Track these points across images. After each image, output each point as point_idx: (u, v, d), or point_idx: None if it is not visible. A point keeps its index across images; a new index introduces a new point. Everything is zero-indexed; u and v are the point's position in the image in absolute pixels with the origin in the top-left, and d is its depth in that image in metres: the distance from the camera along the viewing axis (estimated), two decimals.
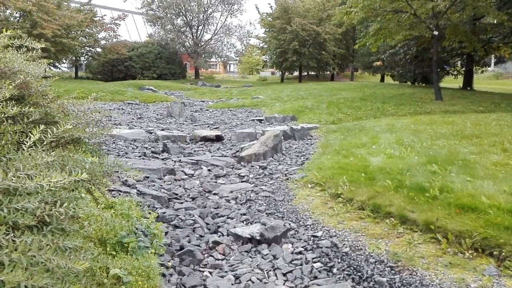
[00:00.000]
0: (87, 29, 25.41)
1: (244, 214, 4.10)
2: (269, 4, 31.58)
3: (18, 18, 20.89)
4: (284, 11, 28.92)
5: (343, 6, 13.48)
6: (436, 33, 12.47)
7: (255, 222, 3.86)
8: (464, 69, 20.03)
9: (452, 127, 7.00)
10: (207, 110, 15.22)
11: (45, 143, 1.73)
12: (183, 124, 11.35)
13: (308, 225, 3.71)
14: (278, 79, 36.78)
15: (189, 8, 33.62)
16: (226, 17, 36.05)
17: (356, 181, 4.28)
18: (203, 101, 19.31)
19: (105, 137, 7.75)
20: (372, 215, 3.69)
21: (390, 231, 3.38)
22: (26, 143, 1.74)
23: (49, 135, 1.76)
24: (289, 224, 3.75)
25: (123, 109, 14.87)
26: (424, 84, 22.22)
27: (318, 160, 5.67)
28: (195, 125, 11.09)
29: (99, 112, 2.70)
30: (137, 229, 3.05)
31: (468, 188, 3.71)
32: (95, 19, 26.32)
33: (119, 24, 28.07)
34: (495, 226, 2.95)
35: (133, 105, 16.52)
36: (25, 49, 2.80)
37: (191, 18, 34.52)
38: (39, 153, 1.65)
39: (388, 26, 13.28)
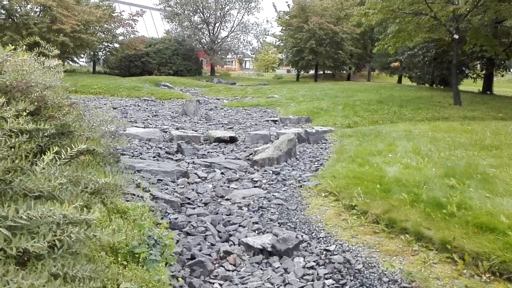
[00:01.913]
0: (105, 25, 25.65)
1: (256, 223, 4.07)
2: (287, 2, 31.45)
3: (38, 13, 21.18)
4: (301, 9, 28.74)
5: (361, 7, 13.30)
6: (456, 36, 12.23)
7: (267, 232, 3.83)
8: (484, 72, 19.63)
9: (471, 136, 6.85)
10: (222, 108, 15.22)
11: (58, 163, 1.72)
12: (198, 123, 11.37)
13: (320, 237, 3.66)
14: (293, 77, 36.62)
15: (206, 5, 33.67)
16: (243, 14, 36.12)
17: (371, 193, 4.21)
18: (218, 99, 19.33)
19: (120, 136, 7.72)
20: (386, 230, 3.62)
21: (405, 248, 3.31)
22: (40, 160, 1.74)
23: (63, 155, 1.74)
24: (301, 235, 3.71)
25: (139, 105, 14.97)
26: (442, 87, 21.84)
27: (332, 167, 5.60)
28: (210, 124, 11.09)
29: (113, 120, 2.66)
30: (149, 237, 3.04)
31: (487, 205, 3.61)
32: (114, 15, 26.56)
33: (137, 20, 28.28)
34: None
35: (149, 101, 16.62)
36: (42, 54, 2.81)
37: (208, 15, 34.57)
38: (53, 174, 1.64)
39: (407, 28, 13.07)
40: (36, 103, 2.13)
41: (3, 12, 20.60)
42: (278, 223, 4.05)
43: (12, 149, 1.71)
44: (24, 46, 2.78)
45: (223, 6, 34.89)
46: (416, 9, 12.57)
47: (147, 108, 14.09)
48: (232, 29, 36.57)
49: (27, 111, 2.00)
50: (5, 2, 20.08)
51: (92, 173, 2.05)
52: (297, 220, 4.07)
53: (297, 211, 4.32)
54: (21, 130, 1.83)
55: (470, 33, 13.49)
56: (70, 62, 27.05)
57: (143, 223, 3.03)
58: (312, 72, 34.05)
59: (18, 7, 20.65)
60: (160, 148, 7.45)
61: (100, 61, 31.58)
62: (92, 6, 24.72)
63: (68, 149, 1.76)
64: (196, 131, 9.80)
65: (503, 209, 3.51)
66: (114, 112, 12.45)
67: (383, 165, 5.20)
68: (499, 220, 3.30)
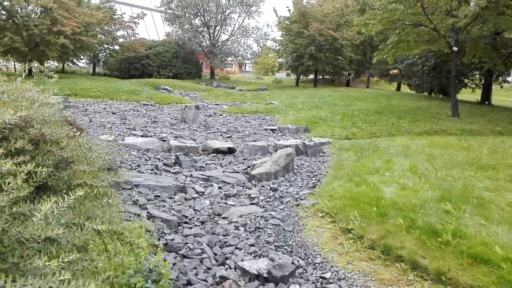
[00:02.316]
0: (106, 27, 25.66)
1: (253, 245, 4.08)
2: (287, 7, 31.50)
3: (39, 15, 21.18)
4: (302, 15, 28.79)
5: (362, 18, 13.35)
6: (455, 48, 12.28)
7: (264, 256, 3.84)
8: (482, 82, 19.71)
9: (468, 154, 6.88)
10: (221, 115, 15.24)
11: (55, 212, 1.73)
12: (197, 130, 11.38)
13: (316, 263, 3.67)
14: (293, 81, 36.64)
15: (207, 8, 33.71)
16: (244, 18, 36.09)
17: (367, 216, 4.23)
18: (217, 104, 19.37)
19: (119, 146, 7.73)
20: (382, 257, 3.64)
21: (400, 277, 3.33)
22: (37, 206, 1.75)
23: (60, 204, 1.75)
24: (298, 261, 3.72)
25: (138, 110, 14.98)
26: (441, 96, 21.91)
27: (329, 185, 5.63)
28: (208, 133, 11.11)
29: (111, 151, 2.66)
30: (145, 266, 3.05)
31: (482, 234, 3.63)
32: (114, 17, 26.57)
33: (138, 23, 28.28)
34: (509, 284, 2.88)
35: (148, 106, 16.64)
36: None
37: (209, 18, 34.62)
38: (51, 221, 1.65)
39: (406, 39, 13.12)
40: (34, 140, 2.14)
41: (4, 13, 20.59)
42: (275, 246, 4.06)
43: (9, 195, 1.71)
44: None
45: (224, 9, 34.94)
46: (416, 21, 12.62)
47: (146, 114, 14.09)
48: (233, 32, 36.64)
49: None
50: (6, 3, 20.07)
51: (90, 218, 2.06)
52: (294, 243, 4.09)
53: (294, 233, 4.34)
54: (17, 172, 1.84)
55: (469, 44, 13.55)
56: (70, 64, 27.07)
57: (139, 251, 3.04)
58: (312, 76, 34.09)
59: (19, 8, 20.65)
60: (158, 159, 7.46)
61: (100, 63, 31.58)
62: (93, 8, 24.74)
63: (66, 197, 1.76)
64: (194, 140, 9.82)
65: (498, 238, 3.53)
66: (113, 118, 12.48)
67: (380, 185, 5.22)
68: (493, 251, 3.32)
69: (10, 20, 20.54)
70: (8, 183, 1.62)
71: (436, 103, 16.99)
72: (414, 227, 3.87)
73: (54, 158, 2.28)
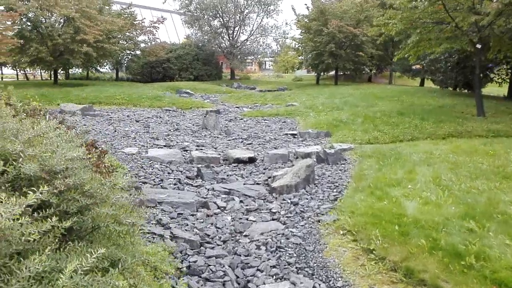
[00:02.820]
0: (127, 33, 26.10)
1: (274, 267, 4.12)
2: (306, 5, 31.27)
3: (62, 24, 21.72)
4: (320, 12, 28.54)
5: (381, 17, 13.15)
6: (479, 46, 11.96)
7: (285, 279, 3.88)
8: (509, 77, 19.13)
9: (493, 161, 6.72)
10: (241, 119, 15.33)
11: (79, 272, 1.80)
12: (218, 137, 11.49)
13: (338, 287, 3.68)
14: (313, 79, 36.39)
15: (225, 9, 33.84)
16: (262, 17, 36.08)
17: (389, 236, 4.20)
18: (237, 107, 19.48)
19: (142, 159, 7.88)
20: (404, 280, 3.62)
21: None
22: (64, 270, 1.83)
23: (84, 263, 1.82)
24: (319, 284, 3.74)
25: (160, 117, 15.22)
26: (466, 91, 21.38)
27: (351, 199, 5.60)
28: (229, 139, 11.20)
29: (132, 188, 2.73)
30: None
31: (506, 256, 3.57)
32: (135, 22, 26.99)
33: (158, 27, 28.64)
34: None
35: (171, 112, 16.90)
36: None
37: (227, 19, 34.75)
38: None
39: (428, 38, 12.86)
40: (58, 189, 2.23)
41: (29, 24, 21.21)
42: (296, 267, 4.09)
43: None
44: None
45: (243, 9, 35.00)
46: (437, 19, 12.35)
47: (168, 120, 14.30)
48: (252, 32, 36.68)
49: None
50: (30, 15, 20.67)
51: (113, 263, 2.14)
52: (315, 264, 4.11)
53: (315, 253, 4.35)
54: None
55: (493, 40, 13.15)
56: (94, 71, 27.69)
57: (162, 284, 3.12)
58: (332, 72, 33.78)
59: (43, 19, 21.23)
60: (181, 172, 7.58)
61: (122, 68, 32.18)
62: (114, 15, 25.18)
63: (89, 257, 1.83)
64: (216, 148, 9.93)
65: None
66: (136, 126, 12.72)
67: (402, 200, 5.17)
68: None
69: (35, 31, 21.13)
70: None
71: (461, 100, 16.60)
72: (436, 248, 3.83)
73: (78, 204, 2.38)
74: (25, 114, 3.15)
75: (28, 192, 2.15)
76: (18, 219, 1.65)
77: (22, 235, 1.63)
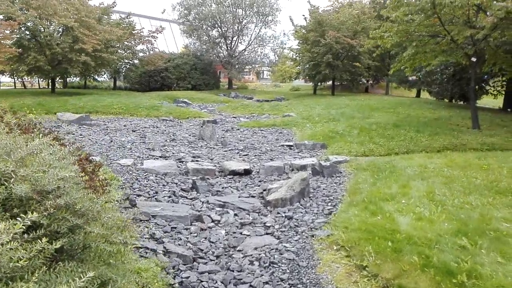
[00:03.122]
0: (125, 42, 26.21)
1: (267, 283, 4.12)
2: (303, 15, 31.55)
3: (60, 33, 21.80)
4: (318, 23, 28.77)
5: (377, 30, 13.28)
6: (474, 59, 12.08)
7: None
8: (504, 89, 19.29)
9: (486, 176, 6.76)
10: (238, 129, 15.36)
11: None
12: (214, 148, 11.51)
13: None
14: (310, 89, 36.55)
15: (224, 19, 34.08)
16: (260, 28, 36.32)
17: (382, 252, 4.21)
18: (234, 117, 19.54)
19: (137, 171, 7.86)
20: None
21: None
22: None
23: (72, 285, 1.83)
24: None
25: (157, 126, 15.24)
26: (462, 102, 21.53)
27: (345, 213, 5.62)
28: (225, 150, 11.22)
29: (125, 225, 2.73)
30: None
31: (498, 274, 3.58)
32: (134, 32, 27.12)
33: (157, 37, 28.78)
34: None
35: (167, 121, 16.92)
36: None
37: (226, 29, 34.98)
38: None
39: (424, 50, 12.98)
40: (48, 211, 2.24)
41: (28, 33, 21.28)
42: (289, 284, 4.09)
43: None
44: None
45: (241, 20, 35.26)
46: (432, 32, 12.49)
47: (165, 130, 14.32)
48: (250, 42, 36.93)
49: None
50: (29, 24, 20.74)
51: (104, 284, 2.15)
52: (308, 281, 4.11)
53: (308, 269, 4.35)
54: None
55: (488, 53, 13.29)
56: (92, 80, 27.74)
57: None
58: (329, 82, 33.94)
59: (42, 28, 21.31)
60: (176, 184, 7.57)
61: (120, 77, 32.25)
62: (113, 25, 25.29)
63: (78, 280, 1.83)
64: (212, 159, 9.94)
65: None
66: (133, 136, 12.73)
67: (396, 215, 5.19)
68: None
69: (34, 40, 21.20)
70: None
71: (457, 112, 16.71)
72: (429, 265, 3.84)
73: (69, 223, 2.38)
74: (19, 131, 3.16)
75: (19, 213, 2.17)
76: (7, 242, 1.66)
77: (11, 260, 1.64)
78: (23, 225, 1.77)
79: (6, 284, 1.67)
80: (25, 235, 2.01)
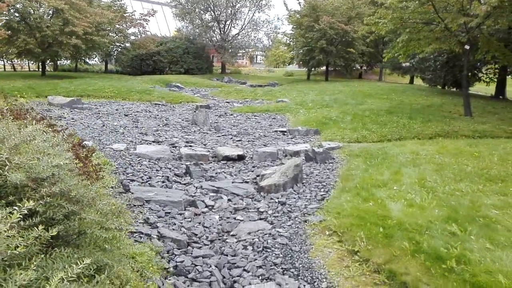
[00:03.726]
0: (117, 25, 25.84)
1: (260, 267, 4.17)
2: (298, 0, 31.23)
3: (50, 16, 21.42)
4: (312, 9, 28.56)
5: (371, 17, 13.22)
6: (467, 47, 12.10)
7: (271, 280, 3.93)
8: (497, 77, 19.41)
9: (477, 163, 6.85)
10: (232, 115, 15.32)
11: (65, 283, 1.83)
12: (207, 133, 11.49)
13: None
14: (304, 74, 36.44)
15: (217, 3, 33.67)
16: (254, 12, 35.95)
17: (373, 238, 4.28)
18: (228, 102, 19.47)
19: (131, 156, 7.84)
20: (387, 282, 3.70)
21: None
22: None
23: (70, 273, 1.84)
24: (304, 285, 3.81)
25: (150, 111, 15.15)
26: (454, 89, 21.63)
27: (337, 199, 5.68)
28: (219, 136, 11.21)
29: (120, 211, 2.74)
30: None
31: (486, 260, 3.66)
32: (125, 15, 26.72)
33: (148, 20, 28.39)
34: None
35: (160, 106, 16.83)
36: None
37: (219, 13, 34.57)
38: None
39: (417, 37, 12.97)
40: (44, 199, 2.25)
41: (17, 15, 20.88)
42: (282, 268, 4.15)
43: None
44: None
45: (234, 4, 34.86)
46: (427, 19, 12.46)
47: (157, 115, 14.25)
48: (243, 26, 36.58)
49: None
50: (18, 6, 20.34)
51: (100, 269, 2.17)
52: (300, 265, 4.17)
53: (301, 253, 4.41)
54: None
55: (481, 41, 13.32)
56: (83, 63, 27.37)
57: (148, 286, 3.15)
58: (323, 68, 33.88)
59: (32, 10, 20.92)
60: (169, 169, 7.57)
61: (112, 60, 31.87)
62: (104, 7, 24.89)
63: (75, 267, 1.85)
64: (205, 145, 9.93)
65: (502, 265, 3.56)
66: (125, 120, 12.66)
67: (388, 201, 5.26)
68: (497, 279, 3.36)
69: (23, 22, 20.82)
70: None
71: (449, 99, 16.81)
72: (419, 251, 3.91)
73: (64, 210, 2.39)
74: (11, 117, 3.13)
75: (14, 201, 2.17)
76: (5, 231, 1.67)
77: (8, 248, 1.65)
78: (20, 214, 1.77)
79: (4, 271, 1.68)
80: (21, 223, 2.02)
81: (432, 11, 11.77)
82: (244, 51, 40.56)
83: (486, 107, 14.59)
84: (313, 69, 33.36)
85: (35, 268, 1.70)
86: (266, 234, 4.96)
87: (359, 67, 34.79)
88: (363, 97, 17.80)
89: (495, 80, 20.02)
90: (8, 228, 1.63)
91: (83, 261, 1.88)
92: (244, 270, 4.17)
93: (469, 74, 16.97)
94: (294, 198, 6.22)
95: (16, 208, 1.78)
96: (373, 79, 33.64)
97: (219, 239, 4.89)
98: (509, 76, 20.06)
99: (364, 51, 29.61)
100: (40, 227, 2.02)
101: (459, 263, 3.65)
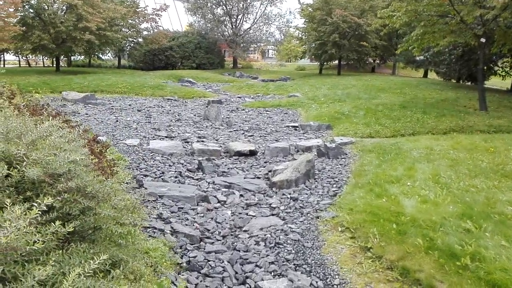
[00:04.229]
0: (130, 20, 25.97)
1: (273, 263, 4.19)
2: None
3: (64, 12, 21.62)
4: (325, 2, 28.29)
5: (386, 10, 13.06)
6: (483, 40, 11.89)
7: (283, 276, 3.94)
8: None
9: (493, 159, 6.75)
10: (243, 110, 15.32)
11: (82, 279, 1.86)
12: (219, 129, 11.52)
13: (335, 285, 3.75)
14: (316, 68, 36.23)
15: None
16: (266, 6, 35.78)
17: (386, 234, 4.26)
18: (239, 97, 19.46)
19: (144, 151, 7.92)
20: (400, 279, 3.68)
21: None
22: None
23: (87, 268, 1.87)
24: (316, 282, 3.81)
25: (162, 106, 15.24)
26: (469, 83, 21.30)
27: (350, 195, 5.66)
28: (230, 131, 11.23)
29: (135, 206, 2.77)
30: None
31: (501, 257, 3.62)
32: (138, 10, 26.83)
33: (161, 15, 28.47)
34: None
35: (172, 101, 16.91)
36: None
37: (231, 7, 34.51)
38: None
39: (432, 30, 12.78)
40: (61, 195, 2.28)
41: (32, 11, 21.12)
42: (294, 264, 4.15)
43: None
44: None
45: None
46: (441, 12, 12.27)
47: (170, 110, 14.32)
48: (255, 20, 36.47)
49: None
50: (33, 2, 20.57)
51: (114, 264, 2.20)
52: (313, 261, 4.17)
53: (313, 249, 4.41)
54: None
55: (498, 33, 13.06)
56: (96, 58, 27.61)
57: (162, 281, 3.19)
58: (336, 62, 33.62)
59: (46, 6, 21.13)
60: (182, 164, 7.62)
61: (125, 56, 32.08)
62: (117, 3, 25.03)
63: (91, 262, 1.88)
64: (217, 140, 9.97)
65: None
66: (138, 116, 12.76)
67: (401, 197, 5.22)
68: None
69: (37, 18, 21.05)
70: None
71: (464, 93, 16.56)
72: (433, 248, 3.88)
73: (80, 206, 2.43)
74: (28, 113, 3.18)
75: (32, 196, 2.21)
76: (24, 227, 1.70)
77: (27, 244, 1.68)
78: (38, 211, 1.80)
79: (23, 266, 1.72)
80: (38, 218, 2.06)
81: (447, 3, 11.58)
82: (255, 46, 40.44)
83: (502, 102, 14.34)
84: (325, 63, 33.13)
85: (53, 263, 1.72)
86: (278, 230, 4.97)
87: (372, 61, 34.43)
88: (376, 92, 17.63)
89: (511, 73, 19.65)
90: (28, 224, 1.67)
91: (99, 257, 1.91)
92: (257, 265, 4.19)
93: (485, 67, 16.66)
94: (306, 194, 6.21)
95: (35, 204, 1.81)
96: (386, 73, 33.29)
97: (231, 235, 4.92)
98: None
99: (377, 44, 29.27)
100: (57, 222, 2.06)
101: (474, 260, 3.62)
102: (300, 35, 33.64)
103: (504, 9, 10.80)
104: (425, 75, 28.99)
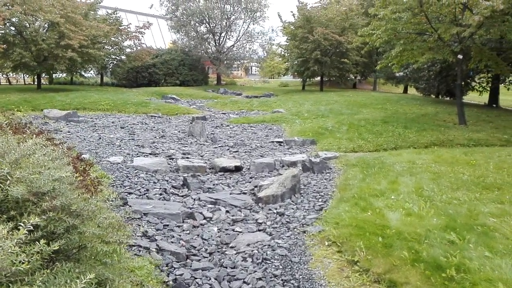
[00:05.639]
0: (112, 38, 25.94)
1: (260, 279, 4.16)
2: (292, 12, 31.58)
3: (46, 29, 21.49)
4: (306, 20, 28.83)
5: (366, 28, 13.38)
6: (460, 57, 12.25)
7: None
8: (489, 85, 19.62)
9: (474, 171, 6.90)
10: (228, 126, 15.34)
11: None
12: (204, 145, 11.49)
13: None
14: (299, 84, 36.66)
15: (212, 15, 33.88)
16: (249, 24, 36.24)
17: (373, 247, 4.29)
18: (224, 113, 19.50)
19: (128, 168, 7.83)
20: None
21: None
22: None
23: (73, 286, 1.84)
24: None
25: (146, 123, 15.15)
26: (448, 98, 21.83)
27: (336, 209, 5.69)
28: (215, 147, 11.21)
29: (120, 226, 2.74)
30: None
31: (485, 268, 3.68)
32: (121, 27, 26.85)
33: (144, 32, 28.54)
34: None
35: (156, 118, 16.83)
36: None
37: (214, 25, 34.81)
38: None
39: (411, 48, 13.13)
40: (46, 213, 2.25)
41: (13, 29, 20.93)
42: (282, 280, 4.13)
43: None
44: None
45: (229, 16, 35.13)
46: (420, 29, 12.63)
47: (154, 127, 14.24)
48: (238, 38, 36.80)
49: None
50: (14, 19, 20.40)
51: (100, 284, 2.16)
52: (300, 276, 4.16)
53: (301, 264, 4.41)
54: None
55: (474, 50, 13.50)
56: (78, 76, 27.41)
57: None
58: (318, 78, 34.08)
59: (27, 24, 20.98)
60: (167, 181, 7.56)
61: (107, 73, 31.93)
62: (100, 20, 25.01)
63: (78, 282, 1.85)
64: (202, 156, 9.93)
65: (502, 273, 3.57)
66: (121, 133, 12.64)
67: (386, 211, 5.27)
68: (497, 287, 3.36)
69: (19, 36, 20.86)
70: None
71: (443, 108, 16.95)
72: (418, 260, 3.92)
73: (65, 224, 2.39)
74: (11, 132, 3.14)
75: (16, 216, 2.17)
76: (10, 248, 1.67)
77: (13, 264, 1.65)
78: (26, 230, 1.77)
79: (8, 287, 1.68)
80: (22, 237, 2.02)
81: (425, 21, 11.94)
82: (239, 63, 40.77)
83: (480, 116, 14.72)
84: (308, 79, 33.57)
85: (39, 283, 1.69)
86: (265, 245, 4.95)
87: (354, 77, 35.05)
88: (358, 107, 17.91)
89: (488, 89, 20.24)
90: (14, 244, 1.63)
91: (85, 276, 1.88)
92: (244, 282, 4.15)
93: (463, 83, 17.15)
94: (293, 208, 6.22)
95: (22, 224, 1.78)
96: (368, 89, 33.89)
97: (218, 251, 4.88)
98: (502, 84, 20.26)
99: (358, 61, 29.86)
100: (42, 241, 2.02)
101: (459, 271, 3.66)
102: (282, 53, 34.09)
103: (480, 27, 11.18)
104: (405, 90, 29.62)
